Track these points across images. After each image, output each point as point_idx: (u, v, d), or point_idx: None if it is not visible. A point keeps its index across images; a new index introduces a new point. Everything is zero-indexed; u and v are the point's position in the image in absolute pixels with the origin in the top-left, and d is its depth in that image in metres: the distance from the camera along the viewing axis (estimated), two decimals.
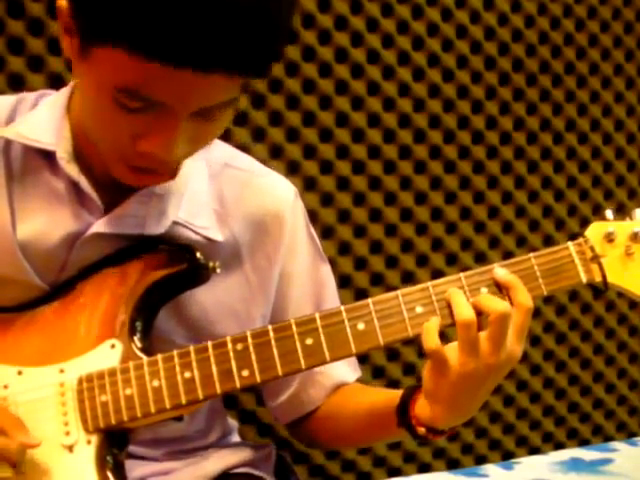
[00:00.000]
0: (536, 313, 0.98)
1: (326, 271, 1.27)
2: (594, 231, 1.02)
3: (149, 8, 0.82)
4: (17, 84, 1.61)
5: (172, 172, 1.03)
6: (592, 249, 1.01)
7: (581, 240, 1.01)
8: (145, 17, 0.82)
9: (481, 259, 2.02)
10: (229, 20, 0.84)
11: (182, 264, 1.07)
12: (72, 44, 0.94)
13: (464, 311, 0.95)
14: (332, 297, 1.26)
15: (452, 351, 0.96)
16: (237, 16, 0.84)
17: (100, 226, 1.06)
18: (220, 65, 0.87)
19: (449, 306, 0.97)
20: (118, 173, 1.01)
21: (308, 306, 1.22)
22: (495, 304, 0.95)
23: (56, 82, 1.63)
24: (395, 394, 1.09)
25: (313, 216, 1.82)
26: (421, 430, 1.03)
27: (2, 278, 1.07)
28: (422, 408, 1.02)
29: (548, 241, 2.09)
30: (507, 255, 2.04)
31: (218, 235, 1.13)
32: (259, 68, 0.92)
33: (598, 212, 2.14)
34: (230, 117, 0.99)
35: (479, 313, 0.95)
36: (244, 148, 1.71)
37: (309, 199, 1.83)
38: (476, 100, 1.99)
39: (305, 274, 1.23)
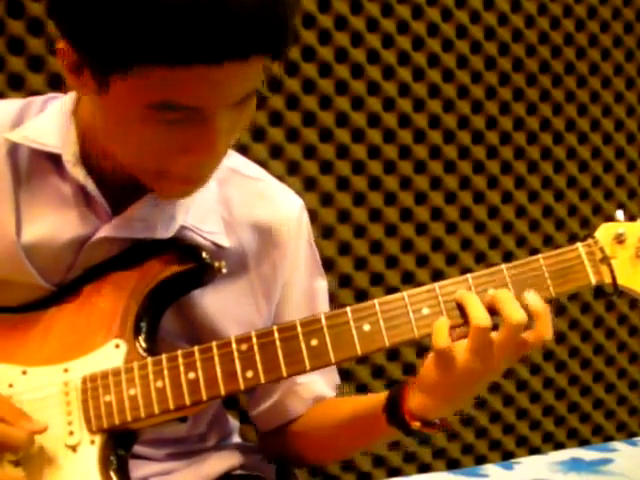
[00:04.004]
0: None
1: (322, 286, 1.27)
2: (604, 232, 1.00)
3: (157, 20, 0.82)
4: (17, 84, 1.61)
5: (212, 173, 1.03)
6: (602, 250, 0.99)
7: (590, 241, 1.00)
8: (156, 29, 0.82)
9: (481, 259, 2.02)
10: (239, 7, 0.84)
11: (188, 264, 1.07)
12: (82, 81, 0.94)
13: (481, 316, 0.94)
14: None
15: (460, 350, 0.95)
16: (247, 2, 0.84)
17: (108, 230, 1.06)
18: (234, 54, 0.86)
19: (459, 307, 0.96)
20: (158, 189, 1.02)
21: (301, 316, 1.21)
22: (514, 314, 0.94)
23: (56, 82, 1.62)
24: (379, 395, 1.08)
25: (313, 216, 1.81)
26: (415, 424, 1.02)
27: (7, 280, 1.07)
28: (415, 402, 1.01)
29: (548, 241, 2.09)
30: (507, 255, 2.04)
31: (225, 241, 1.13)
32: (275, 42, 0.90)
33: (598, 212, 2.14)
34: (255, 103, 0.99)
35: (492, 312, 0.95)
36: (244, 148, 1.73)
37: (309, 199, 1.81)
38: (476, 100, 1.99)
39: (302, 285, 1.23)
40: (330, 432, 1.20)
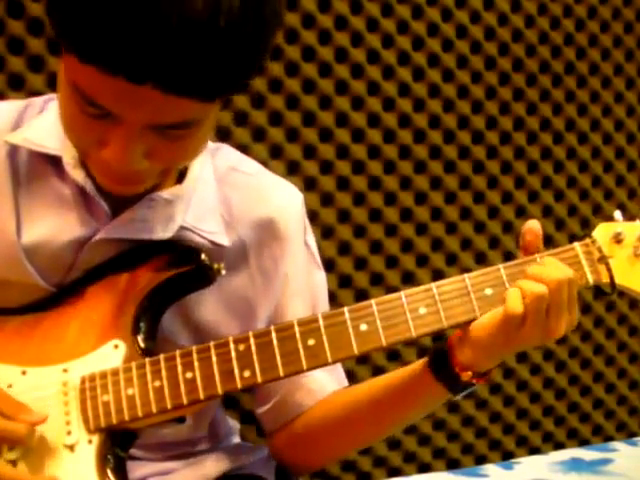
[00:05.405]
0: None
1: (321, 278, 1.27)
2: (602, 232, 1.00)
3: (87, 13, 0.81)
4: (17, 84, 1.61)
5: (148, 182, 1.01)
6: (599, 250, 0.99)
7: (588, 241, 1.00)
8: (83, 22, 0.82)
9: (481, 259, 2.02)
10: (168, 36, 0.80)
11: (187, 266, 1.07)
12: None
13: (534, 285, 0.97)
14: (324, 305, 1.25)
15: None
16: (178, 34, 0.80)
17: (108, 231, 1.06)
18: (153, 80, 0.83)
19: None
20: (98, 179, 1.01)
21: (303, 308, 1.21)
22: (556, 274, 0.98)
23: (56, 82, 1.62)
24: (411, 365, 1.10)
25: (313, 216, 1.82)
26: (467, 374, 1.03)
27: (7, 281, 1.08)
28: (465, 356, 1.02)
29: (548, 241, 2.06)
30: (507, 255, 2.03)
31: (225, 240, 1.13)
32: (206, 92, 0.87)
33: (598, 212, 2.14)
34: (205, 137, 0.98)
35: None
36: (244, 148, 1.73)
37: (309, 199, 1.81)
38: (476, 100, 1.99)
39: (303, 278, 1.23)
40: (354, 415, 1.19)
